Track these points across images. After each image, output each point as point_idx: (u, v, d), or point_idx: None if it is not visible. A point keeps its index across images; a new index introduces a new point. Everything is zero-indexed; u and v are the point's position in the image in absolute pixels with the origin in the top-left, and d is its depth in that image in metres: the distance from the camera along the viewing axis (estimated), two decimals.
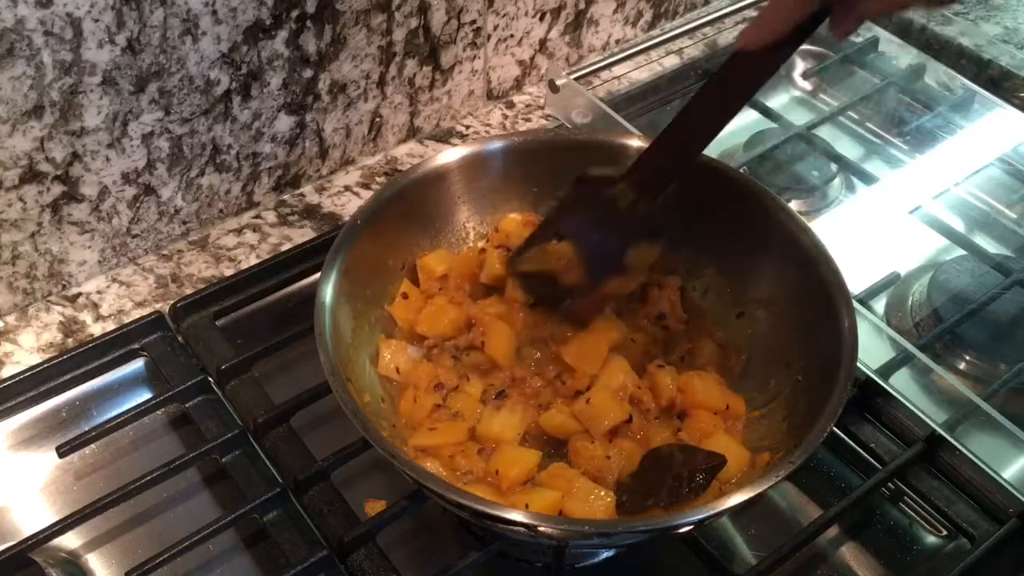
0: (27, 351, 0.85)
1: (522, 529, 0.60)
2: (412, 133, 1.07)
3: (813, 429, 0.63)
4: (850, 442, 0.81)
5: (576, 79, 1.07)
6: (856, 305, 0.71)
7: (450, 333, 0.78)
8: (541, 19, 1.10)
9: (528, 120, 1.12)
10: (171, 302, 0.87)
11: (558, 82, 1.07)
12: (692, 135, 0.71)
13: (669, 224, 0.73)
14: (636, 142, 0.83)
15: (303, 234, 0.97)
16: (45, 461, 0.79)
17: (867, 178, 1.05)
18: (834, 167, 1.06)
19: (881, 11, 0.74)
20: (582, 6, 1.13)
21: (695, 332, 0.80)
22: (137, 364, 0.84)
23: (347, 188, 1.02)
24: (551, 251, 0.75)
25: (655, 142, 0.73)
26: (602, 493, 0.67)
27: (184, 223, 0.94)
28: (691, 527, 0.67)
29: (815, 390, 0.68)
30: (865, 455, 0.80)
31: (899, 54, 1.21)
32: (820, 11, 0.62)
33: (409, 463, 0.62)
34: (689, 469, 0.66)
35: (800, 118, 1.12)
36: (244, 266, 0.92)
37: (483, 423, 0.72)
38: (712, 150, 1.05)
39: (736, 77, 0.68)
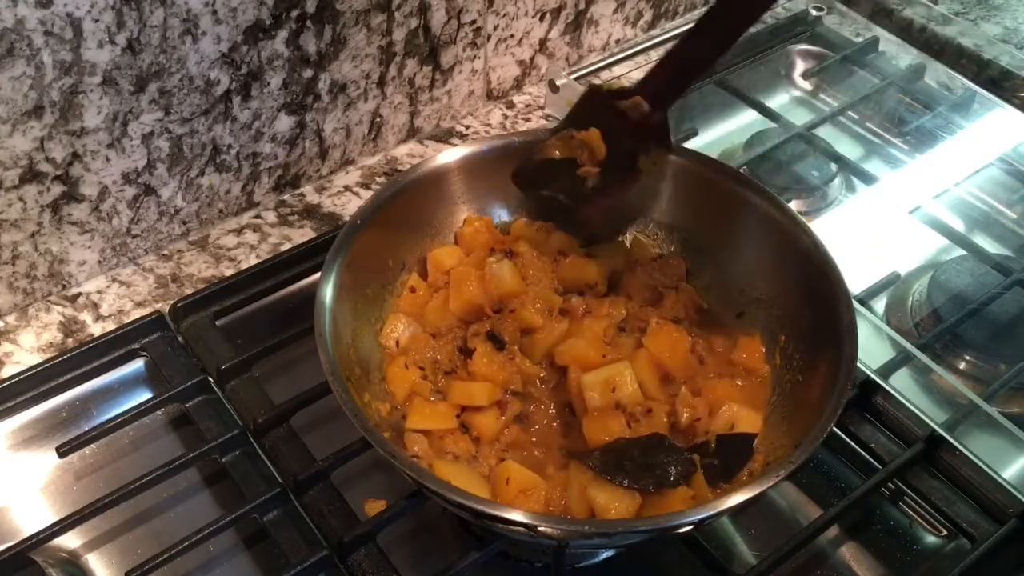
0: (27, 351, 0.85)
1: (522, 529, 0.60)
2: (412, 133, 1.07)
3: (813, 429, 0.64)
4: (850, 442, 0.81)
5: (576, 79, 1.07)
6: (856, 305, 0.71)
7: (454, 326, 0.78)
8: (541, 19, 1.10)
9: (528, 120, 1.12)
10: (171, 302, 0.87)
11: (558, 82, 1.07)
12: (700, 50, 0.75)
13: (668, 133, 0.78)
14: None
15: (303, 234, 0.97)
16: (45, 461, 0.79)
17: (867, 178, 1.05)
18: (834, 167, 1.06)
19: None
20: (582, 6, 1.13)
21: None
22: (137, 364, 0.84)
23: (347, 188, 1.02)
24: (579, 137, 0.78)
25: (664, 58, 0.78)
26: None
27: (184, 223, 0.94)
28: (691, 527, 0.67)
29: (815, 390, 0.68)
30: (865, 455, 0.80)
31: (899, 54, 1.22)
32: None
33: (409, 463, 0.62)
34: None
35: (800, 118, 1.12)
36: (244, 266, 0.92)
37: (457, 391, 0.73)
38: (712, 150, 1.06)
39: None
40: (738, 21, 0.73)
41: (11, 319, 0.87)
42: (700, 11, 1.27)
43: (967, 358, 0.89)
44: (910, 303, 0.94)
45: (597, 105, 0.79)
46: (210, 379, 0.82)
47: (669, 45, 1.16)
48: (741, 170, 0.93)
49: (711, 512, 0.60)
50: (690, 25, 0.76)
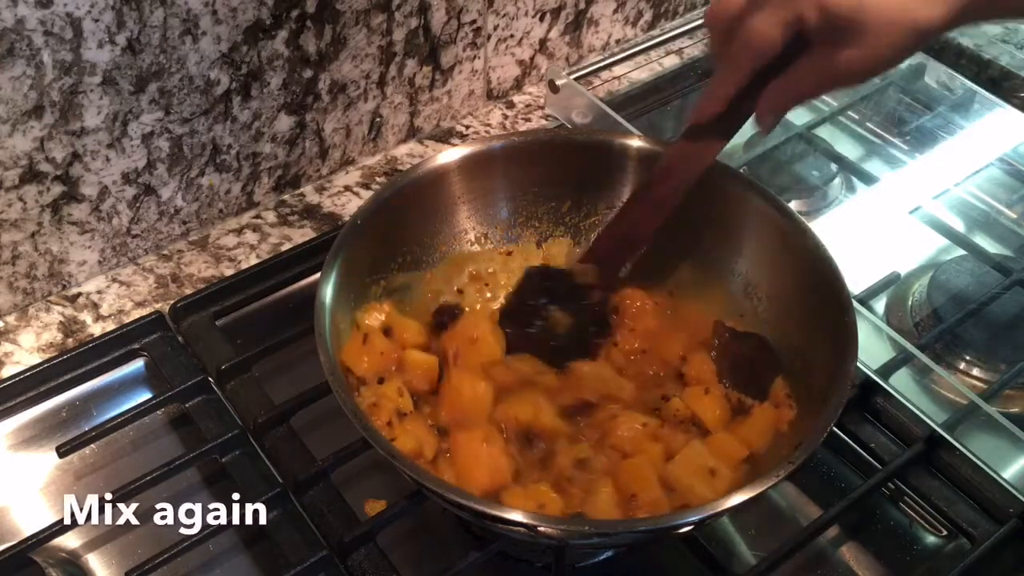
0: (27, 351, 0.85)
1: (522, 529, 0.60)
2: (412, 133, 1.07)
3: (813, 429, 0.64)
4: (850, 442, 0.81)
5: (576, 79, 1.07)
6: (856, 305, 0.71)
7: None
8: (541, 19, 1.10)
9: (528, 120, 1.12)
10: (171, 302, 0.87)
11: (558, 82, 1.07)
12: (640, 222, 0.77)
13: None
14: (636, 142, 0.82)
15: (303, 234, 0.97)
16: (45, 461, 0.79)
17: (867, 178, 1.05)
18: (834, 167, 1.06)
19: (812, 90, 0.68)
20: (582, 6, 1.13)
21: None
22: (137, 364, 0.84)
23: (347, 188, 1.02)
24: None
25: (606, 229, 0.80)
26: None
27: (184, 223, 0.94)
28: (691, 527, 0.67)
29: (815, 390, 0.68)
30: (865, 455, 0.80)
31: None
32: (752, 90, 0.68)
33: (409, 463, 0.62)
34: None
35: (800, 118, 1.12)
36: (244, 266, 0.92)
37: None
38: None
39: (681, 164, 0.75)
40: (669, 191, 0.75)
41: (11, 319, 0.87)
42: (700, 11, 1.27)
43: (967, 358, 0.89)
44: (910, 303, 0.94)
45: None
46: (210, 379, 0.82)
47: (670, 45, 1.18)
48: (741, 170, 0.93)
49: (711, 512, 0.60)
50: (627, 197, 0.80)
